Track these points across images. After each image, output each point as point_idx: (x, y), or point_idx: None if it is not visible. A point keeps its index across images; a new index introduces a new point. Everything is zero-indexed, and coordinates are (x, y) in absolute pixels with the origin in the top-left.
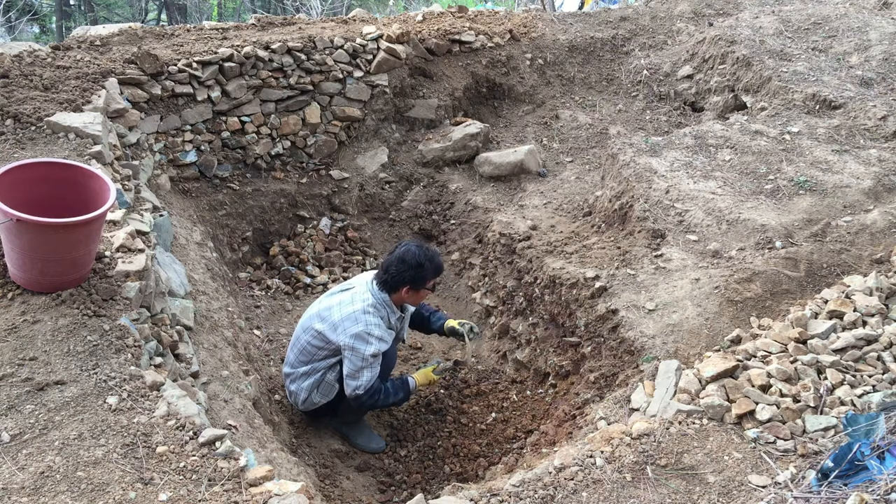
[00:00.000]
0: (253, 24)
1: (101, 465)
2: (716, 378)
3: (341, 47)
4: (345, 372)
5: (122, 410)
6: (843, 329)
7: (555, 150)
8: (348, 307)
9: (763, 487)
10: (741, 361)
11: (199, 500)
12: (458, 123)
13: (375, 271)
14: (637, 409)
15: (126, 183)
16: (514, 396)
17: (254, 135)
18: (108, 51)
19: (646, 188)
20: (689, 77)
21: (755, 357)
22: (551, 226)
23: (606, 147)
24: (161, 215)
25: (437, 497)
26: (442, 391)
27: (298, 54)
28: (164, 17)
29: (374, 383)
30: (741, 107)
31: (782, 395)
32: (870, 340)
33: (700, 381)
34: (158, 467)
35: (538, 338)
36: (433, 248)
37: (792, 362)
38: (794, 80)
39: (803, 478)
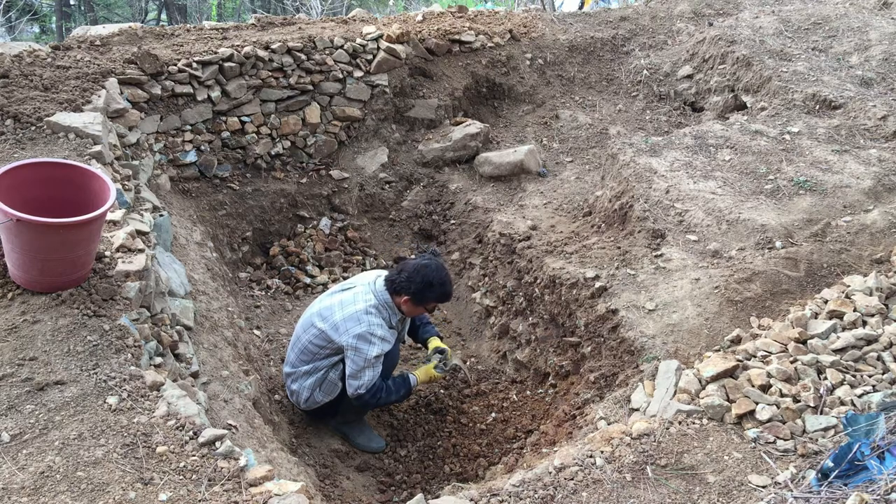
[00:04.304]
0: (253, 24)
1: (101, 465)
2: (716, 378)
3: (341, 47)
4: (347, 372)
5: (122, 410)
6: (843, 329)
7: (555, 150)
8: (350, 307)
9: (763, 487)
10: (741, 361)
11: (199, 500)
12: (458, 123)
13: (377, 271)
14: (637, 409)
15: (126, 183)
16: (514, 396)
17: (254, 135)
18: (108, 51)
19: (646, 188)
20: (689, 77)
21: (755, 357)
22: (551, 226)
23: (606, 147)
24: (161, 215)
25: (437, 497)
26: (442, 391)
27: (298, 54)
28: (164, 17)
29: (377, 382)
30: (741, 107)
31: (782, 395)
32: (870, 340)
33: (700, 381)
34: (158, 467)
35: (538, 338)
36: (450, 275)
37: (792, 362)
38: (794, 80)
39: (803, 478)
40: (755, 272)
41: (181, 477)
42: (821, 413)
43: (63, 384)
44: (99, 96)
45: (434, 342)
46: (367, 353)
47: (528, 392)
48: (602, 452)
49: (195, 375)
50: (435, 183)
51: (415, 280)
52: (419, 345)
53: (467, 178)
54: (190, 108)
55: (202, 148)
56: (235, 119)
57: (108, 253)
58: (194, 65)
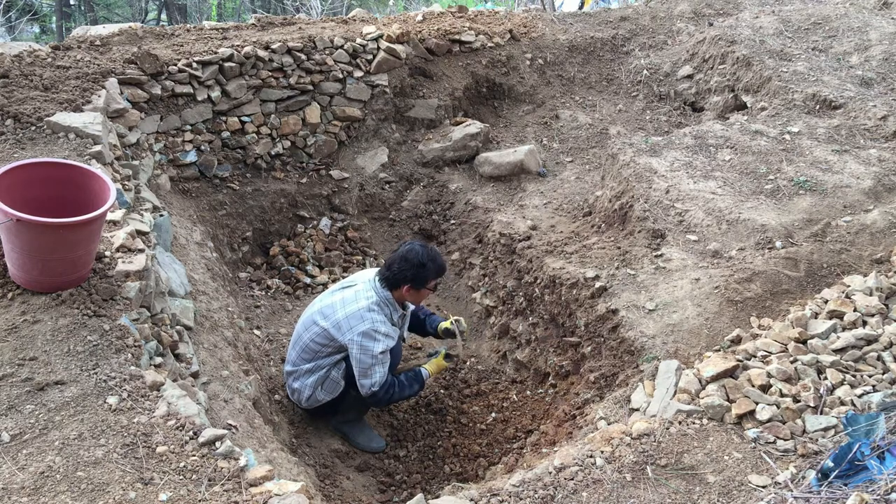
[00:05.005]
0: (253, 24)
1: (101, 465)
2: (716, 378)
3: (341, 47)
4: (356, 373)
5: (122, 410)
6: (843, 329)
7: (555, 150)
8: (352, 305)
9: (763, 487)
10: (741, 361)
11: (199, 500)
12: (458, 123)
13: (377, 269)
14: (637, 409)
15: (126, 183)
16: (514, 396)
17: (254, 135)
18: (108, 51)
19: (646, 188)
20: (689, 77)
21: (755, 357)
22: (551, 226)
23: (606, 147)
24: (161, 215)
25: (437, 497)
26: (442, 391)
27: (298, 54)
28: (164, 17)
29: (388, 379)
30: (741, 107)
31: (782, 395)
32: (870, 340)
33: (700, 381)
34: (158, 467)
35: (538, 338)
36: (436, 248)
37: (792, 362)
38: (794, 80)
39: (803, 478)
40: (755, 272)
41: (181, 477)
42: (821, 413)
43: (63, 384)
44: (99, 96)
45: (444, 324)
46: (373, 349)
47: (528, 392)
48: (602, 452)
49: (195, 375)
50: (435, 183)
51: (406, 267)
52: (432, 336)
53: (467, 178)
54: (190, 108)
55: (202, 148)
56: (235, 119)
57: (108, 253)
58: (194, 65)
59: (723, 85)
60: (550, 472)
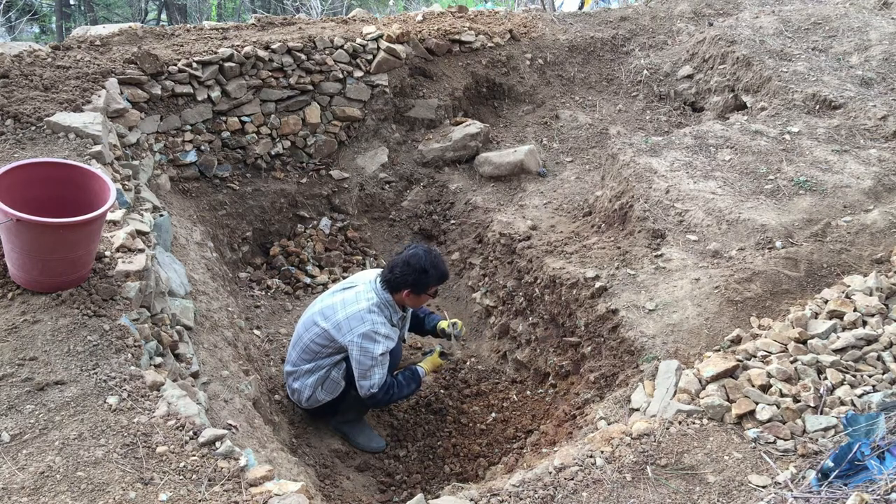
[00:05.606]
0: (253, 24)
1: (101, 465)
2: (716, 378)
3: (341, 47)
4: (356, 374)
5: (122, 410)
6: (843, 329)
7: (555, 150)
8: (353, 306)
9: (763, 487)
10: (741, 361)
11: (199, 500)
12: (458, 123)
13: (378, 269)
14: (637, 409)
15: (126, 183)
16: (514, 396)
17: (254, 135)
18: (108, 51)
19: (646, 188)
20: (689, 77)
21: (755, 357)
22: (551, 226)
23: (606, 147)
24: (161, 215)
25: (437, 497)
26: (442, 391)
27: (298, 54)
28: (164, 17)
29: (387, 380)
30: (741, 107)
31: (782, 395)
32: (870, 340)
33: (700, 381)
34: (158, 467)
35: (538, 338)
36: (440, 254)
37: (792, 362)
38: (794, 80)
39: (803, 478)
40: (755, 272)
41: (181, 477)
42: (821, 413)
43: (63, 384)
44: (99, 96)
45: (442, 324)
46: (373, 351)
47: (528, 392)
48: (602, 452)
49: (195, 375)
50: (435, 183)
51: (408, 272)
52: (429, 335)
53: (467, 178)
54: (190, 108)
55: (202, 148)
56: (235, 119)
57: (108, 253)
58: (194, 65)
59: (723, 85)
60: (550, 472)
